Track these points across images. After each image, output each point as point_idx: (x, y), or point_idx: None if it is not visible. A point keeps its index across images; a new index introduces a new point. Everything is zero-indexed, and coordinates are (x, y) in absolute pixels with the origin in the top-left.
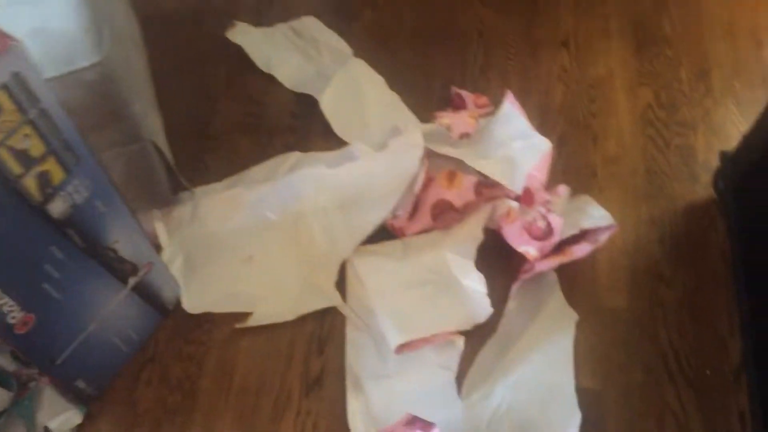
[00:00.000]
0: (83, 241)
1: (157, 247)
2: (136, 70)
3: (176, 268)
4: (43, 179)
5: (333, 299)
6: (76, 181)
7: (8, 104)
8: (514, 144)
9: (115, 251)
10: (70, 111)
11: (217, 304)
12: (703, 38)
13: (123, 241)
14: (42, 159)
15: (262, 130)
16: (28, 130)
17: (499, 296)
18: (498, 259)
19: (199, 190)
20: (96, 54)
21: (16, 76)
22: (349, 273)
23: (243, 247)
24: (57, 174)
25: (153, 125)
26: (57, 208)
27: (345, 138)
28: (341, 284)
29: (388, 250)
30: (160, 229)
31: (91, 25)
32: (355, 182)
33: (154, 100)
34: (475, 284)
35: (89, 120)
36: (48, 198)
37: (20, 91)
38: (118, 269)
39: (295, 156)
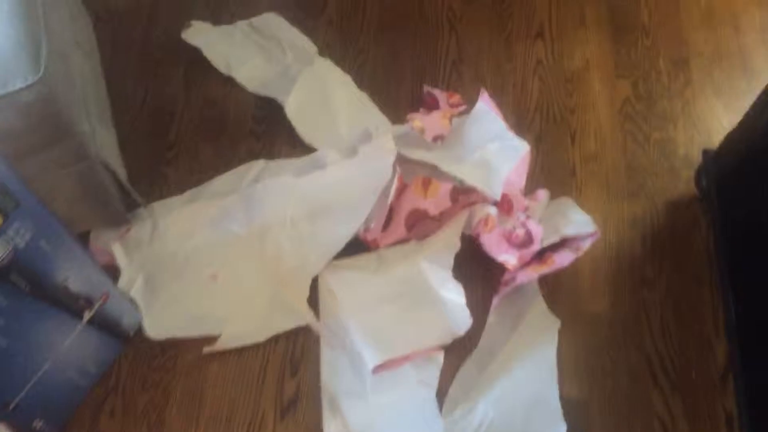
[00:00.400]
0: (29, 284)
1: (116, 270)
2: (84, 81)
3: (136, 291)
4: None
5: (305, 317)
6: (16, 224)
7: None
8: (490, 146)
9: (66, 288)
10: (6, 135)
11: (181, 328)
12: (681, 26)
13: (74, 277)
14: None
15: (223, 137)
16: None
17: (479, 307)
18: (477, 268)
19: (158, 205)
20: (33, 73)
21: None
22: (322, 289)
23: (207, 265)
24: None
25: (103, 141)
26: None
27: (312, 143)
28: (314, 301)
29: (361, 263)
30: (118, 251)
31: (27, 39)
32: (324, 192)
33: (106, 109)
34: (454, 295)
35: (29, 142)
36: None
37: None
38: (71, 305)
39: (259, 164)
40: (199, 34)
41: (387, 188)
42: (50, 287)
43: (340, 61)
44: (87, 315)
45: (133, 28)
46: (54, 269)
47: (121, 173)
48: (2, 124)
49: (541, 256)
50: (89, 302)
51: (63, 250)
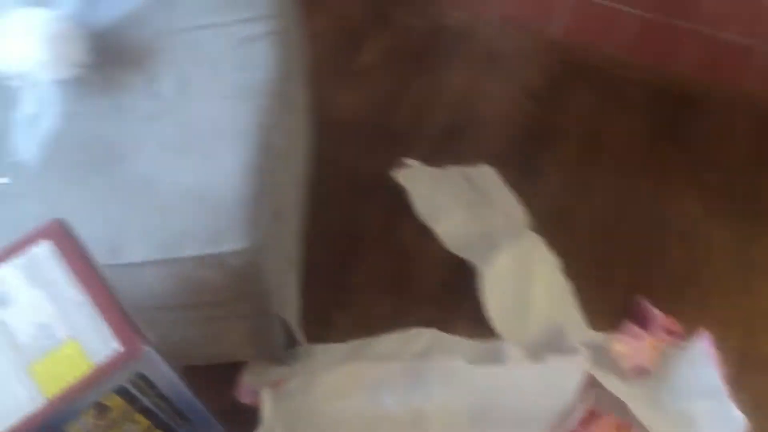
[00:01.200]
0: None
1: (258, 412)
2: (291, 231)
3: None
4: None
5: None
6: None
7: (118, 402)
8: (699, 403)
9: None
10: (196, 288)
11: None
12: None
13: None
14: None
15: (403, 294)
16: (136, 416)
17: None
18: None
19: (318, 350)
20: (247, 239)
21: (138, 377)
22: None
23: None
24: None
25: (287, 295)
26: None
27: (496, 328)
28: None
29: None
30: (267, 399)
31: (251, 199)
32: (496, 393)
33: (297, 242)
34: None
35: (217, 296)
36: None
37: (137, 387)
38: None
39: (430, 335)
40: (409, 175)
41: (567, 412)
42: None
43: (550, 239)
44: None
45: (348, 150)
46: None
47: (294, 322)
48: (196, 278)
49: None
50: None
51: None
